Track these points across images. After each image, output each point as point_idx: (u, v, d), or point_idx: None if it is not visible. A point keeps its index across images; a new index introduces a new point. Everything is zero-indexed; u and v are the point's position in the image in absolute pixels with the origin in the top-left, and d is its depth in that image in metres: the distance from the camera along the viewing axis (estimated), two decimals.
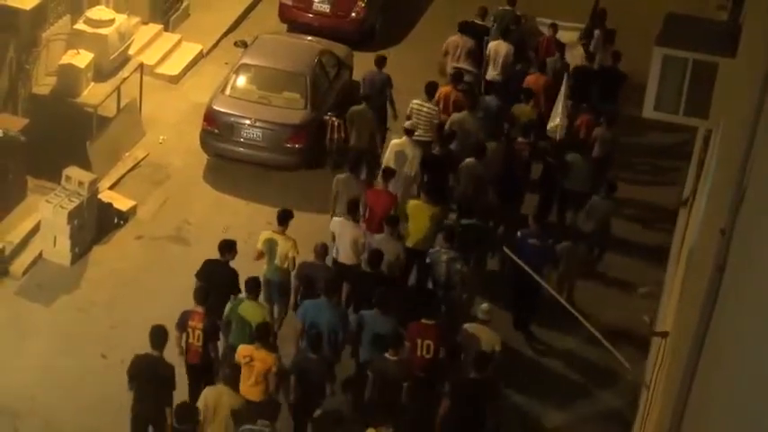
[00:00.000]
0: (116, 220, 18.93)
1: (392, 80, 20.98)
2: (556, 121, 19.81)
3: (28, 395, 15.64)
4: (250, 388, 14.24)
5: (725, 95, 12.87)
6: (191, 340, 14.67)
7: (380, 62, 21.26)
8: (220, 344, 15.14)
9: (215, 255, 16.38)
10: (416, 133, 19.43)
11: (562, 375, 17.37)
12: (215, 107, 20.45)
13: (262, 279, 15.86)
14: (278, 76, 20.93)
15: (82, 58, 21.35)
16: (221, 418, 13.56)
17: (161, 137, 21.31)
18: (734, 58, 12.91)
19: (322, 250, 16.12)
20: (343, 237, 16.74)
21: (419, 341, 14.94)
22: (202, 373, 14.84)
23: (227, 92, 20.67)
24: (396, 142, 19.10)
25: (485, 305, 15.71)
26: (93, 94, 21.25)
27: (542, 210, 19.04)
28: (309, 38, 23.13)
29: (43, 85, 21.19)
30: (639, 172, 22.27)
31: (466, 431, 14.57)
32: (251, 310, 15.01)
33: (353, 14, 25.16)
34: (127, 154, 20.59)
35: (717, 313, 8.28)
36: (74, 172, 18.18)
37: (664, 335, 13.21)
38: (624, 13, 24.58)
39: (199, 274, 15.79)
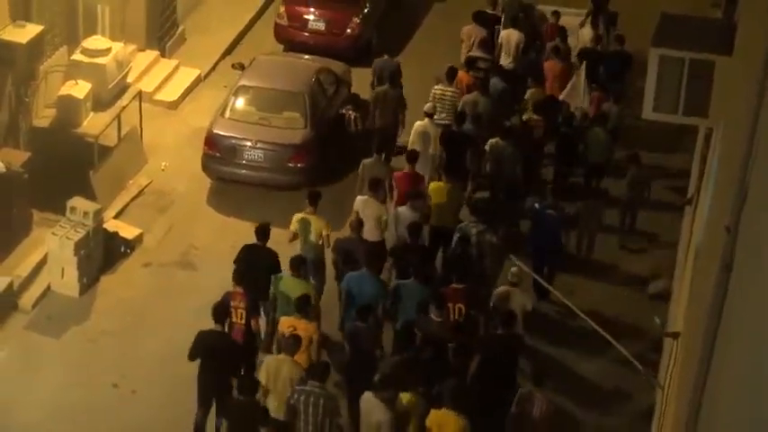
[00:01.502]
0: (122, 249, 18.94)
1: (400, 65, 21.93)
2: (578, 102, 21.15)
3: (44, 431, 15.62)
4: (296, 357, 14.81)
5: (723, 93, 12.86)
6: (234, 319, 15.34)
7: (389, 53, 22.40)
8: (263, 321, 16.02)
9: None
10: (441, 116, 20.53)
11: (589, 329, 17.58)
12: (215, 131, 20.47)
13: None
14: (277, 96, 20.95)
15: (80, 89, 21.39)
16: (281, 388, 14.29)
17: (163, 163, 21.33)
18: (730, 55, 12.91)
19: (357, 225, 17.01)
20: (366, 214, 17.43)
21: (451, 305, 15.69)
22: (248, 348, 15.53)
23: (227, 115, 20.70)
24: (419, 124, 20.00)
25: (514, 268, 16.61)
26: (93, 123, 21.28)
27: (558, 180, 20.01)
28: (306, 56, 23.17)
29: (43, 117, 21.23)
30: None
31: (496, 385, 15.18)
32: (292, 285, 15.80)
33: (349, 31, 25.19)
34: (130, 182, 20.61)
35: (726, 311, 8.27)
36: (78, 203, 18.20)
37: (675, 335, 13.20)
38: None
39: (237, 259, 16.53)
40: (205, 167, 20.59)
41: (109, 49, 22.01)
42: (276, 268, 16.32)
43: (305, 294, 15.46)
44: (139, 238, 19.26)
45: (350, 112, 21.29)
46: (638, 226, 20.28)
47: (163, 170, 21.17)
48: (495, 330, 15.74)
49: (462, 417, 13.67)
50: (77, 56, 21.81)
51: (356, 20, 25.24)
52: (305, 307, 15.27)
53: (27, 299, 17.78)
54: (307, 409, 13.81)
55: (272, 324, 15.92)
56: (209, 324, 15.04)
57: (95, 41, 22.04)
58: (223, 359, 14.80)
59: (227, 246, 19.27)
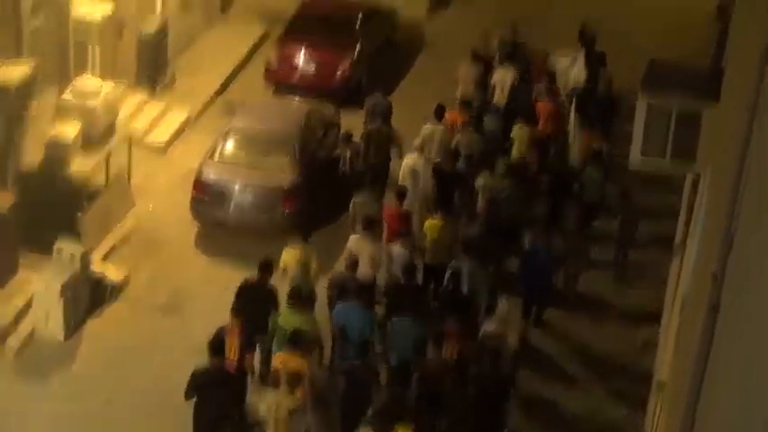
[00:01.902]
0: (109, 292, 18.85)
1: (392, 104, 22.12)
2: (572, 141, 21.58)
3: None
4: (285, 392, 15.00)
5: (710, 141, 12.89)
6: (228, 355, 15.45)
7: (383, 91, 22.78)
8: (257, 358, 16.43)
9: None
10: (430, 154, 20.66)
11: (578, 364, 17.93)
12: (204, 174, 20.44)
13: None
14: (266, 139, 20.93)
15: (70, 130, 21.36)
16: (281, 420, 14.60)
17: (151, 206, 21.28)
18: (717, 103, 12.95)
19: (351, 263, 17.22)
20: (361, 253, 17.60)
21: (448, 343, 15.85)
22: (239, 384, 15.70)
23: (216, 158, 20.67)
24: (409, 160, 20.20)
25: (503, 304, 16.84)
26: (81, 165, 21.23)
27: (551, 219, 20.05)
28: (296, 99, 23.19)
29: (32, 158, 21.17)
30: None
31: (486, 422, 15.45)
32: (289, 319, 15.92)
33: (339, 73, 25.24)
34: (118, 224, 20.55)
35: (712, 358, 8.24)
36: (65, 245, 18.13)
37: (662, 384, 13.16)
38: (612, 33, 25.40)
39: (237, 295, 16.57)
40: (193, 211, 20.54)
41: (99, 91, 22.01)
42: (275, 305, 16.43)
43: (297, 330, 15.49)
44: (126, 281, 19.18)
45: (345, 149, 21.31)
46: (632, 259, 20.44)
47: (151, 212, 21.11)
48: (485, 369, 15.82)
49: None
50: (67, 96, 21.81)
51: (346, 62, 25.30)
52: (297, 342, 15.31)
53: (12, 341, 17.66)
54: None
55: (268, 359, 16.13)
56: (195, 365, 15.03)
57: (85, 82, 22.04)
58: (221, 393, 14.88)
59: (215, 289, 19.22)
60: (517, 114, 22.10)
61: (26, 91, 19.93)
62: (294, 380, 14.76)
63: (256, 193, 20.16)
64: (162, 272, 19.70)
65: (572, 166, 21.27)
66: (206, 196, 20.29)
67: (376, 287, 17.86)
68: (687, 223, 15.88)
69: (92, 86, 22.01)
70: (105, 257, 19.67)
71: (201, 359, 17.43)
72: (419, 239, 18.91)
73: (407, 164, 20.20)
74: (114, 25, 22.89)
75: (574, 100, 21.99)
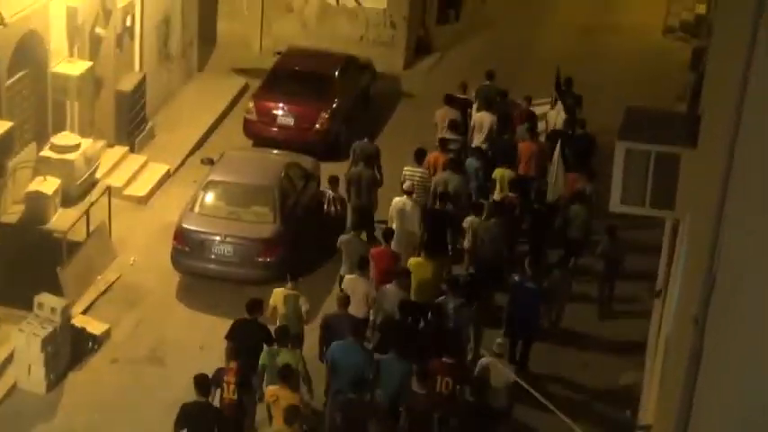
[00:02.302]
0: (90, 345, 18.80)
1: (380, 150, 22.54)
2: (554, 181, 21.78)
3: None
4: (281, 426, 15.34)
5: (689, 186, 12.98)
6: (225, 395, 15.77)
7: (370, 136, 23.27)
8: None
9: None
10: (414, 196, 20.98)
11: (566, 399, 17.92)
12: (184, 225, 20.46)
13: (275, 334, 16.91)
14: (246, 190, 21.00)
15: (49, 185, 21.39)
16: None
17: (132, 258, 21.28)
18: (695, 148, 13.06)
19: (344, 301, 17.50)
20: (355, 292, 17.94)
21: (439, 378, 16.13)
22: (237, 424, 15.93)
23: (196, 209, 20.71)
24: (397, 201, 20.68)
25: (499, 339, 17.22)
26: (61, 219, 21.24)
27: (535, 255, 20.08)
28: (275, 151, 23.28)
29: (11, 213, 21.19)
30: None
31: None
32: (282, 356, 16.20)
33: (317, 126, 25.36)
34: (99, 277, 20.52)
35: (696, 403, 8.27)
36: (46, 299, 18.09)
37: (647, 429, 13.16)
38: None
39: (228, 335, 16.88)
40: (174, 262, 20.54)
41: (78, 145, 22.06)
42: (269, 341, 16.70)
43: (287, 364, 15.78)
44: (108, 334, 19.13)
45: (329, 192, 21.57)
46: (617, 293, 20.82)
47: (132, 265, 21.11)
48: (476, 399, 16.18)
49: None
50: (46, 152, 21.85)
51: (325, 115, 25.43)
52: (288, 376, 15.62)
53: None
54: None
55: (261, 397, 16.37)
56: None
57: (64, 137, 22.09)
58: (207, 428, 15.13)
59: (197, 340, 19.21)
60: (497, 156, 22.72)
61: (4, 147, 19.95)
62: (292, 413, 14.97)
63: (237, 243, 20.19)
64: (144, 323, 19.66)
65: (553, 204, 21.63)
66: (187, 247, 20.30)
67: (368, 325, 18.11)
68: (668, 267, 15.95)
69: (71, 142, 22.04)
70: (86, 310, 19.62)
71: None
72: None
73: (396, 205, 20.60)
74: (92, 82, 22.97)
75: (558, 141, 22.36)
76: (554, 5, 35.17)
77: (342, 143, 25.52)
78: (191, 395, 16.31)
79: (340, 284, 19.00)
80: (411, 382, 15.99)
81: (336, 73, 26.43)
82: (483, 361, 16.79)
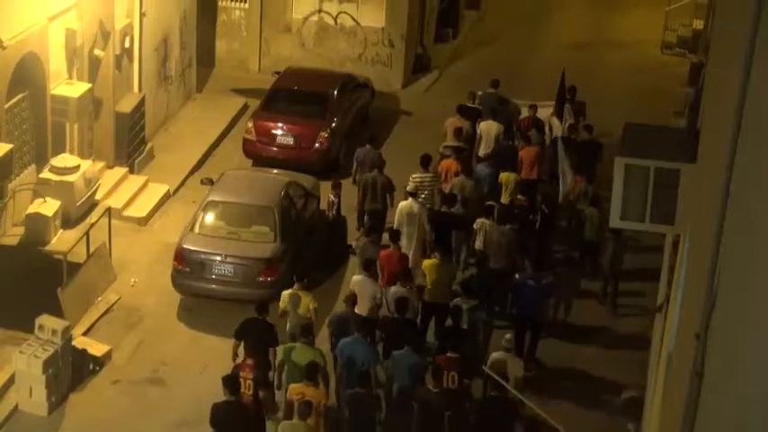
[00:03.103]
0: (91, 367, 18.77)
1: (383, 157, 23.09)
2: (564, 183, 22.32)
3: None
4: (297, 420, 15.67)
5: (689, 201, 12.98)
6: (243, 390, 16.10)
7: (371, 139, 23.74)
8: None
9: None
10: (421, 199, 21.57)
11: (568, 412, 18.03)
12: (185, 245, 20.45)
13: (287, 334, 17.74)
14: (246, 210, 21.00)
15: (49, 207, 21.39)
16: None
17: (132, 279, 21.27)
18: (694, 163, 13.07)
19: (352, 299, 18.12)
20: (362, 292, 18.46)
21: (445, 373, 16.55)
22: (258, 419, 16.41)
23: (196, 230, 20.70)
24: (403, 204, 21.14)
25: (508, 335, 17.65)
26: (61, 240, 21.25)
27: (539, 254, 20.96)
28: (275, 171, 23.29)
29: (11, 235, 21.19)
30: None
31: None
32: (301, 353, 16.66)
33: (317, 145, 25.38)
34: (99, 299, 20.51)
35: (699, 418, 8.26)
36: (46, 320, 18.06)
37: None
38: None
39: (237, 333, 17.38)
40: (175, 283, 20.52)
41: (77, 167, 22.07)
42: (275, 340, 17.26)
43: (313, 362, 16.31)
44: (108, 355, 19.11)
45: (331, 197, 22.34)
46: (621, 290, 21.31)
47: (132, 286, 21.09)
48: (490, 394, 16.58)
49: None
50: (46, 174, 21.85)
51: (324, 134, 25.46)
52: (314, 374, 16.14)
53: None
54: None
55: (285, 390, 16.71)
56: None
57: (64, 159, 22.10)
58: (237, 427, 15.62)
59: (199, 360, 19.18)
60: (500, 162, 23.42)
61: (4, 170, 19.94)
62: (306, 409, 15.43)
63: (237, 263, 20.17)
64: (145, 344, 19.63)
65: (561, 205, 22.38)
66: (187, 268, 20.29)
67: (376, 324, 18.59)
68: (669, 283, 15.94)
69: (70, 163, 22.05)
70: (87, 332, 19.60)
71: (186, 431, 17.42)
72: (417, 279, 19.74)
73: (403, 208, 21.05)
74: (91, 104, 23.00)
75: (562, 145, 22.78)
76: (552, 23, 35.27)
77: (341, 162, 25.56)
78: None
79: None
80: (424, 378, 16.70)
81: (335, 92, 26.47)
82: (495, 355, 17.32)
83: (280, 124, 25.58)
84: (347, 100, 26.88)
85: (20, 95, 21.40)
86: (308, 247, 21.23)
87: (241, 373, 16.23)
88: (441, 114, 25.32)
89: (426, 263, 19.59)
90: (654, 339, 18.18)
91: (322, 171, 24.49)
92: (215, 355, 19.28)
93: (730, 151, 8.14)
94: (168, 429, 17.50)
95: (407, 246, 20.54)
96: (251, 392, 16.24)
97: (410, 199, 21.18)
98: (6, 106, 20.79)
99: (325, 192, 23.33)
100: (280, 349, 17.05)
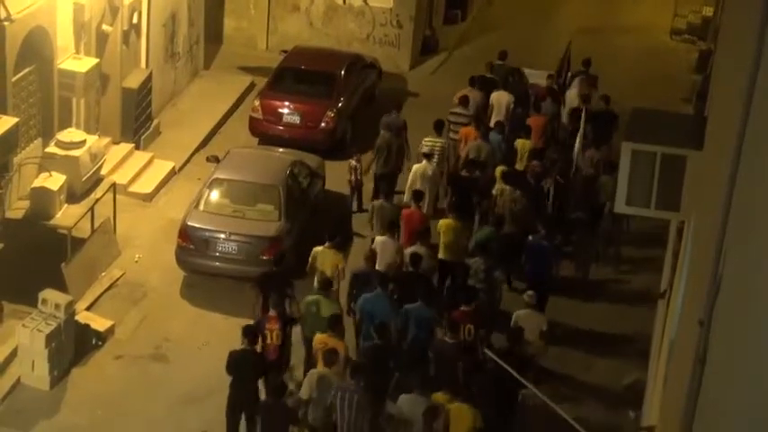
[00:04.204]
0: (94, 341, 18.80)
1: (406, 123, 23.74)
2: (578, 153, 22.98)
3: None
4: (322, 368, 16.22)
5: (695, 187, 12.97)
6: (269, 341, 16.91)
7: (399, 107, 24.40)
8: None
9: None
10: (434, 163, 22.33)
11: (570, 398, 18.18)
12: (189, 223, 20.46)
13: (315, 289, 18.19)
14: (251, 188, 21.00)
15: (54, 181, 21.40)
16: (324, 396, 15.73)
17: (136, 255, 21.29)
18: (701, 150, 13.05)
19: (371, 256, 18.76)
20: (384, 252, 19.06)
21: (461, 326, 17.22)
22: (278, 367, 17.10)
23: (201, 207, 20.71)
24: (418, 166, 21.94)
25: (530, 292, 18.24)
26: (66, 215, 21.27)
27: (552, 217, 21.69)
28: (280, 150, 23.29)
29: (16, 208, 21.21)
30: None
31: (503, 395, 16.55)
32: (325, 305, 17.43)
33: (323, 125, 25.37)
34: (103, 274, 20.53)
35: (701, 405, 8.26)
36: (50, 295, 18.09)
37: (650, 429, 13.15)
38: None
39: (262, 286, 18.23)
40: (179, 259, 20.54)
41: (83, 142, 22.07)
42: (293, 295, 18.14)
43: (336, 314, 17.06)
44: (111, 330, 19.14)
45: (351, 161, 22.98)
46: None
47: (136, 262, 21.11)
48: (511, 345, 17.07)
49: (474, 409, 15.44)
50: (52, 148, 21.85)
51: (330, 113, 25.43)
52: (336, 325, 16.79)
53: None
54: (343, 404, 15.39)
55: (305, 340, 17.65)
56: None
57: (70, 134, 22.10)
58: (251, 373, 16.23)
59: (201, 337, 19.21)
60: (514, 129, 24.16)
61: (10, 143, 19.94)
62: (332, 356, 16.04)
63: (241, 241, 20.18)
64: (148, 320, 19.66)
65: (576, 173, 22.96)
66: (191, 245, 20.30)
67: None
68: (673, 269, 15.94)
69: (76, 138, 22.05)
70: (90, 307, 19.64)
71: (188, 407, 17.47)
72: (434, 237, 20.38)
73: (417, 170, 21.84)
74: (98, 79, 22.98)
75: (584, 116, 23.29)
76: (561, 6, 35.18)
77: (347, 142, 25.54)
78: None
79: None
80: (436, 330, 17.42)
81: (342, 72, 26.44)
82: (519, 312, 18.01)
83: (286, 103, 25.56)
84: (354, 80, 26.85)
85: (27, 69, 21.40)
86: (311, 226, 21.22)
87: (267, 326, 16.89)
88: (447, 96, 25.28)
89: (442, 222, 20.23)
90: (656, 325, 18.18)
91: (327, 150, 24.48)
92: (217, 331, 19.33)
93: (737, 139, 8.13)
94: (170, 405, 17.54)
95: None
96: (278, 342, 16.98)
97: (425, 161, 21.88)
98: (13, 80, 20.79)
99: (331, 171, 23.34)
100: (303, 302, 17.61)
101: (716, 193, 9.18)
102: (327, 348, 16.22)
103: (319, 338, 16.76)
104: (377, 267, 18.76)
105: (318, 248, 18.88)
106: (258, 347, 16.62)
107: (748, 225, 7.24)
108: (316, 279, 18.51)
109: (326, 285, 17.81)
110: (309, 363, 17.25)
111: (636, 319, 20.50)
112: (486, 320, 17.93)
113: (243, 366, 16.23)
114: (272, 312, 17.14)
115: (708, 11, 32.84)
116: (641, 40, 33.31)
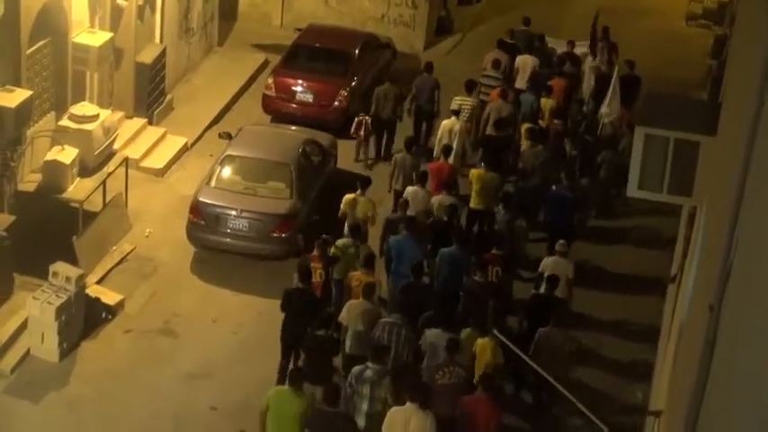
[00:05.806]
0: (104, 315, 18.85)
1: (439, 82, 24.70)
2: (607, 111, 24.09)
3: None
4: (361, 300, 17.26)
5: (708, 173, 12.95)
6: (314, 279, 17.67)
7: (429, 68, 25.01)
8: None
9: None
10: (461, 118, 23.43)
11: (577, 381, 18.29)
12: (201, 199, 20.48)
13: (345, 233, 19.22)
14: (263, 166, 21.01)
15: (67, 154, 21.43)
16: (360, 325, 16.80)
17: (147, 230, 21.32)
18: (715, 136, 13.02)
19: (404, 204, 19.80)
20: (415, 201, 20.05)
21: (490, 268, 18.41)
22: (323, 302, 17.75)
23: (213, 183, 20.72)
24: (446, 122, 23.12)
25: (562, 241, 19.22)
26: (78, 189, 21.30)
27: (576, 170, 22.84)
28: (293, 128, 23.28)
29: (29, 181, 21.24)
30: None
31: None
32: (358, 248, 18.52)
33: (336, 104, 25.35)
34: (113, 248, 20.58)
35: (709, 390, 8.27)
36: (61, 268, 18.14)
37: (657, 414, 13.17)
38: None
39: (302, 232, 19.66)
40: (189, 235, 20.57)
41: (96, 116, 22.08)
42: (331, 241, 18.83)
43: (370, 253, 18.18)
44: (121, 305, 19.20)
45: (362, 117, 23.96)
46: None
47: (147, 237, 21.15)
48: (538, 291, 18.29)
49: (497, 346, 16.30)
50: (65, 121, 21.88)
51: (344, 92, 25.42)
52: (371, 263, 17.90)
53: (6, 363, 17.65)
54: (390, 337, 16.32)
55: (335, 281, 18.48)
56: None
57: (83, 108, 22.12)
58: (305, 309, 16.87)
59: (210, 312, 19.25)
60: (542, 89, 25.10)
61: (23, 116, 19.96)
62: (370, 289, 17.14)
63: (252, 218, 20.21)
64: (157, 295, 19.71)
65: (602, 134, 24.00)
66: (202, 221, 20.33)
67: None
68: (684, 254, 15.94)
69: (89, 112, 22.07)
70: (101, 281, 19.69)
71: (196, 382, 17.53)
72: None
73: (446, 126, 22.99)
74: (112, 53, 22.99)
75: (616, 78, 24.26)
76: None
77: None
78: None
79: (395, 198, 21.34)
80: (468, 272, 18.34)
81: (356, 51, 26.41)
82: (547, 260, 19.06)
83: (300, 81, 25.55)
84: (368, 59, 26.83)
85: (41, 42, 21.40)
86: (323, 204, 21.23)
87: (312, 264, 17.70)
88: (462, 76, 25.23)
89: (473, 172, 21.42)
90: (665, 310, 18.18)
91: (340, 129, 24.47)
92: (226, 308, 19.38)
93: (752, 125, 8.11)
94: (178, 380, 17.59)
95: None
96: (321, 280, 17.82)
97: (453, 117, 23.05)
98: (28, 52, 20.80)
99: (343, 149, 23.35)
100: (337, 245, 18.47)
101: (729, 179, 9.17)
102: (367, 282, 17.25)
103: (355, 275, 17.73)
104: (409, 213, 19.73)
105: (350, 195, 19.84)
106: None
107: (760, 211, 7.23)
108: (346, 224, 19.50)
109: (357, 231, 18.81)
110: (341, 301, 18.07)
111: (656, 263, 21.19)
112: (511, 266, 19.10)
113: (298, 303, 16.97)
114: (315, 252, 18.00)
115: None
116: (657, 25, 33.20)
